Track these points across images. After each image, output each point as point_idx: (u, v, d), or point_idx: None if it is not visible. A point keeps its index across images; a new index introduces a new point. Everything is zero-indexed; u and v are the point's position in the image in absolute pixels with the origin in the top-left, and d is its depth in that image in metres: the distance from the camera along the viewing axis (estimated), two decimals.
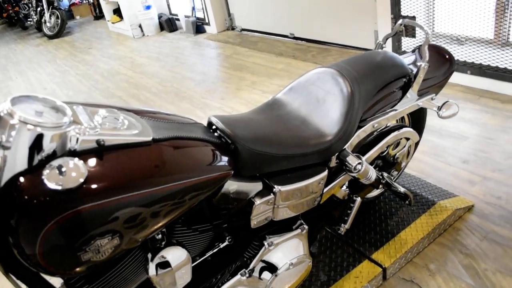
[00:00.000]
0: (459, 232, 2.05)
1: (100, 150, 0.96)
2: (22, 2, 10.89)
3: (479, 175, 2.40)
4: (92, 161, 0.93)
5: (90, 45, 7.98)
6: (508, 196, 2.21)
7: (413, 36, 3.76)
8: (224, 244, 1.37)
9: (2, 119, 0.88)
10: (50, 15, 9.24)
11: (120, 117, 1.06)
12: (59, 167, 0.88)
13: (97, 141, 0.95)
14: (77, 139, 0.93)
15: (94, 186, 0.91)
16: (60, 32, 9.23)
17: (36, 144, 0.89)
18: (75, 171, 0.89)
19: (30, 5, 10.29)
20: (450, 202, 2.16)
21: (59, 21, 9.18)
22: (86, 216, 0.90)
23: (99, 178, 0.92)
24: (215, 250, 1.37)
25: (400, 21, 1.81)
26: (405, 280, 1.86)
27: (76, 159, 0.91)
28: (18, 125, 0.86)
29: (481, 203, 2.20)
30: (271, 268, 1.47)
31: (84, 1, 11.64)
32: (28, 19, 10.59)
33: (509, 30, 3.26)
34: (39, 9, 9.66)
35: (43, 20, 9.42)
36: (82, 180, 0.89)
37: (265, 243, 1.45)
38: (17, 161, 0.88)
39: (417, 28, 3.72)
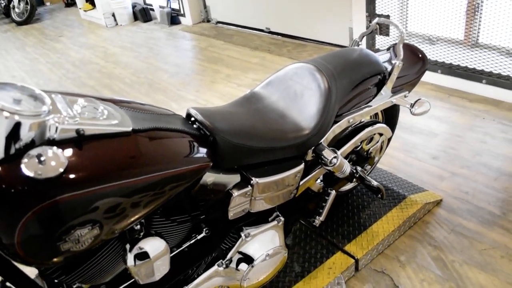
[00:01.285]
0: (428, 225, 2.12)
1: (80, 140, 0.95)
2: None
3: (448, 171, 2.49)
4: (72, 151, 0.93)
5: (60, 33, 7.77)
6: (475, 192, 2.29)
7: (387, 34, 3.84)
8: (202, 235, 1.38)
9: None
10: (19, 1, 8.94)
11: (99, 107, 1.05)
12: (38, 156, 0.88)
13: (77, 131, 0.94)
14: (56, 128, 0.92)
15: (74, 175, 0.90)
16: (29, 19, 8.94)
17: (14, 132, 0.88)
18: (55, 160, 0.89)
19: None
20: (420, 197, 2.22)
21: (29, 7, 8.89)
22: (66, 205, 0.89)
23: (79, 168, 0.92)
24: (192, 241, 1.37)
25: (376, 20, 1.85)
26: (376, 271, 1.91)
27: (55, 148, 0.90)
28: None
29: (450, 197, 2.28)
30: (248, 259, 1.48)
31: None
32: None
33: (478, 32, 3.37)
34: None
35: (11, 6, 9.10)
36: (62, 169, 0.88)
37: (242, 235, 1.47)
38: None
39: (391, 27, 3.79)
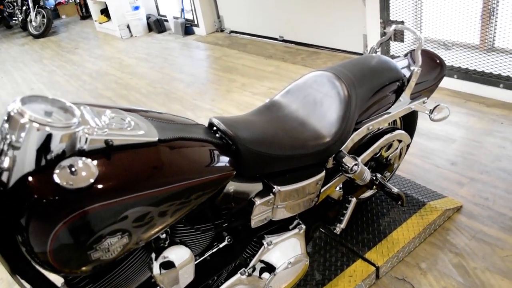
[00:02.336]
0: (448, 232, 2.10)
1: (109, 150, 0.97)
2: (7, 0, 10.73)
3: (467, 177, 2.47)
4: (101, 161, 0.95)
5: (76, 45, 7.91)
6: (495, 197, 2.27)
7: (402, 40, 3.83)
8: (224, 243, 1.40)
9: (12, 118, 0.89)
10: (35, 14, 9.13)
11: (126, 118, 1.08)
12: (70, 167, 0.90)
13: (106, 141, 0.97)
14: (86, 139, 0.94)
15: (104, 185, 0.92)
16: (46, 32, 9.13)
17: (46, 144, 0.90)
18: (86, 171, 0.91)
19: (15, 4, 10.14)
20: (440, 203, 2.21)
21: (45, 20, 9.08)
22: (97, 215, 0.91)
23: (108, 178, 0.94)
24: (215, 250, 1.39)
25: (394, 26, 1.85)
26: (397, 278, 1.90)
27: (85, 158, 0.92)
28: (28, 124, 0.87)
29: (469, 204, 2.26)
30: (270, 267, 1.49)
31: (71, 1, 11.51)
32: (13, 18, 10.43)
33: (494, 36, 3.35)
34: (24, 7, 9.53)
35: (28, 19, 9.30)
36: (92, 179, 0.91)
37: (264, 243, 1.47)
38: (27, 161, 0.89)
39: (405, 33, 3.78)
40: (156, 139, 1.07)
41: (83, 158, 0.92)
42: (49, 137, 0.90)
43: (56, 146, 0.91)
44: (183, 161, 1.12)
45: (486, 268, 1.88)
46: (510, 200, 2.23)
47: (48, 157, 0.91)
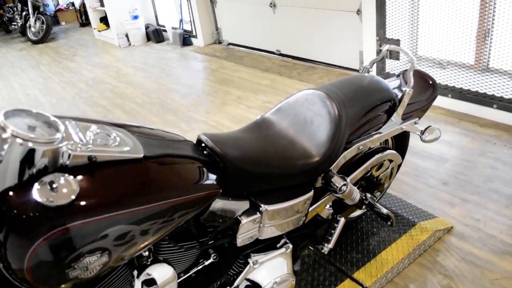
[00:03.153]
0: (438, 253, 2.09)
1: (92, 167, 0.96)
2: (7, 5, 10.76)
3: (459, 197, 2.46)
4: (84, 178, 0.94)
5: (75, 52, 7.92)
6: (486, 219, 2.26)
7: (397, 58, 3.85)
8: (209, 261, 1.38)
9: None
10: (35, 20, 9.15)
11: (112, 133, 1.07)
12: (51, 183, 0.89)
13: (89, 157, 0.96)
14: (69, 155, 0.93)
15: (85, 203, 0.91)
16: (44, 38, 9.15)
17: (28, 159, 0.89)
18: (67, 188, 0.90)
19: (15, 9, 10.17)
20: (430, 223, 2.20)
21: (44, 26, 9.10)
22: (77, 233, 0.90)
23: (90, 195, 0.92)
24: (200, 267, 1.37)
25: (386, 47, 1.86)
26: None
27: (67, 175, 0.91)
28: (10, 139, 0.86)
29: (460, 225, 2.25)
30: (255, 286, 1.47)
31: (71, 8, 11.56)
32: (13, 23, 10.47)
33: (489, 57, 3.37)
34: (24, 13, 9.56)
35: (27, 25, 9.33)
36: (73, 196, 0.89)
37: (250, 261, 1.46)
38: (8, 175, 0.88)
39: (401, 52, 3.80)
40: (141, 155, 1.05)
41: (65, 175, 0.91)
42: (31, 152, 0.88)
43: (38, 162, 0.90)
44: (169, 179, 1.11)
45: None
46: (501, 222, 2.23)
47: (30, 172, 0.90)
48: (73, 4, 11.46)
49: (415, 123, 1.90)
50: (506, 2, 3.04)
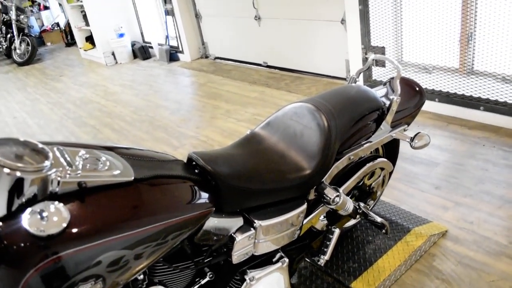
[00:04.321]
0: (434, 257, 2.09)
1: (82, 193, 0.95)
2: None
3: (451, 201, 2.47)
4: (74, 204, 0.93)
5: (61, 72, 7.89)
6: (479, 221, 2.27)
7: (383, 66, 3.89)
8: (205, 280, 1.37)
9: None
10: (20, 42, 9.12)
11: (101, 157, 1.06)
12: (41, 212, 0.87)
13: (79, 183, 0.95)
14: (58, 182, 0.92)
15: (77, 230, 0.90)
16: (30, 59, 9.10)
17: (16, 188, 0.88)
18: (57, 216, 0.88)
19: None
20: (425, 229, 2.20)
21: (30, 47, 9.07)
22: (69, 261, 0.88)
23: (82, 222, 0.91)
24: (196, 287, 1.35)
25: (372, 56, 1.88)
26: None
27: (57, 202, 0.90)
28: None
29: (455, 228, 2.26)
30: None
31: (56, 28, 11.54)
32: None
33: (473, 59, 3.42)
34: (9, 35, 9.51)
35: (13, 47, 9.28)
36: (64, 224, 0.88)
37: (247, 278, 1.45)
38: None
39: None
40: (131, 178, 1.05)
41: (55, 203, 0.90)
42: (19, 181, 0.87)
43: (27, 190, 0.89)
44: (161, 200, 1.10)
45: None
46: (494, 223, 2.24)
47: (19, 201, 0.89)
48: (58, 24, 11.45)
49: (405, 130, 1.91)
50: (487, 6, 3.09)
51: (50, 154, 0.94)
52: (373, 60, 1.88)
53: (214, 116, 4.40)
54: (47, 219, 0.87)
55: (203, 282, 1.37)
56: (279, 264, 1.53)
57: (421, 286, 1.94)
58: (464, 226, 2.26)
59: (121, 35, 7.65)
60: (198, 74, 6.10)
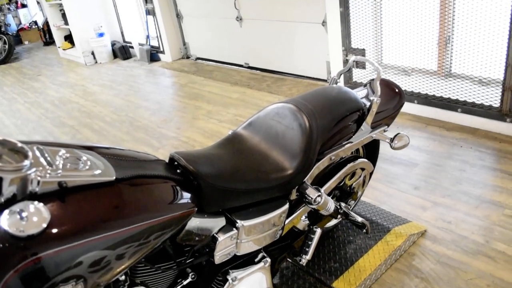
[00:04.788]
0: (413, 257, 2.13)
1: (62, 193, 0.94)
2: None
3: (430, 201, 2.52)
4: (54, 204, 0.91)
5: (39, 71, 7.75)
6: (457, 221, 2.32)
7: (364, 68, 3.94)
8: (188, 280, 1.36)
9: None
10: None
11: (82, 157, 1.04)
12: (20, 212, 0.86)
13: (59, 183, 0.93)
14: (38, 181, 0.90)
15: (57, 230, 0.88)
16: (7, 58, 8.93)
17: None
18: (37, 216, 0.87)
19: None
20: (404, 228, 2.24)
21: (7, 46, 8.89)
22: (49, 262, 0.87)
23: (62, 222, 0.90)
24: (178, 287, 1.35)
25: (353, 58, 1.90)
26: None
27: (37, 202, 0.89)
28: None
29: (433, 228, 2.30)
30: None
31: (33, 26, 11.33)
32: None
33: (451, 62, 3.49)
34: None
35: None
36: (44, 225, 0.87)
37: (229, 278, 1.44)
38: None
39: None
40: (113, 178, 1.04)
41: (35, 203, 0.88)
42: None
43: (6, 190, 0.87)
44: (142, 200, 1.09)
45: None
46: (471, 223, 2.29)
47: None
48: (36, 23, 11.25)
49: (384, 131, 1.94)
50: (464, 10, 3.16)
51: (30, 153, 0.92)
52: (353, 61, 1.90)
53: (196, 117, 4.39)
54: (27, 219, 0.85)
55: (185, 282, 1.36)
56: (261, 264, 1.54)
57: (401, 285, 1.97)
58: (442, 226, 2.30)
59: (101, 35, 7.56)
60: (179, 75, 6.07)
